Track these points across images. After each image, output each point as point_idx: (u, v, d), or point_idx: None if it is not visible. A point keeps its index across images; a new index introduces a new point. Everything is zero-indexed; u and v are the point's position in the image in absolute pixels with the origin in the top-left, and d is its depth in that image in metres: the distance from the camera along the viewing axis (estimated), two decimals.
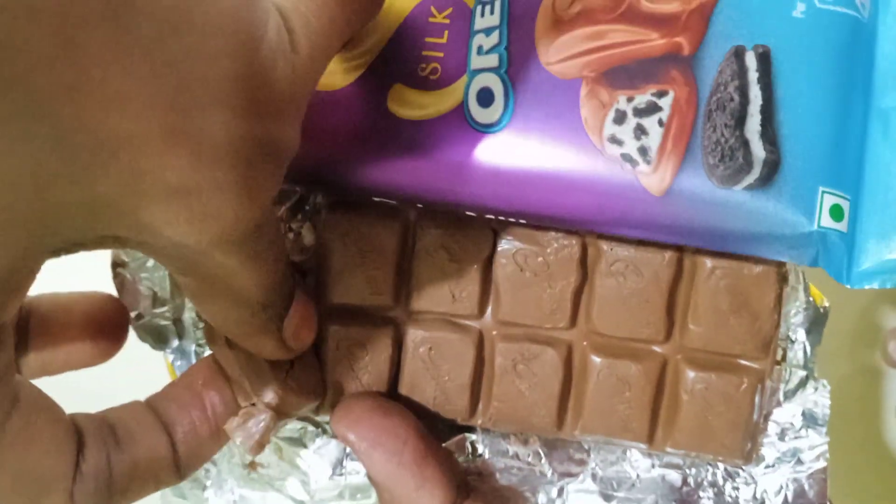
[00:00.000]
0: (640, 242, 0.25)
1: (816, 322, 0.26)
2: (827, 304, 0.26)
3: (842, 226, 0.23)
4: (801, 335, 0.26)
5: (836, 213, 0.23)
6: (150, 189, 0.16)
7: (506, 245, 0.25)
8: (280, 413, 0.23)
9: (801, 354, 0.26)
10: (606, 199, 0.23)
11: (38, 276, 0.18)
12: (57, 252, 0.17)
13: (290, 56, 0.18)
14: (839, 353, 0.34)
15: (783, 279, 0.25)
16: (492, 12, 0.23)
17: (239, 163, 0.17)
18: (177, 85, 0.15)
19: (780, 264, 0.25)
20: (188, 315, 0.27)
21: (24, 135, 0.14)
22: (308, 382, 0.24)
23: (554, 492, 0.27)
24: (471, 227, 0.25)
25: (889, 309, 0.34)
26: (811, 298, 0.26)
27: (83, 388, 0.26)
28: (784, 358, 0.26)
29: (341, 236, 0.25)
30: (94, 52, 0.14)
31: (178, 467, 0.22)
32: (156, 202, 0.16)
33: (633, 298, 0.25)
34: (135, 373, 0.27)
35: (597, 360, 0.25)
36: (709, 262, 0.25)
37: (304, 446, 0.27)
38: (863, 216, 0.23)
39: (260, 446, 0.23)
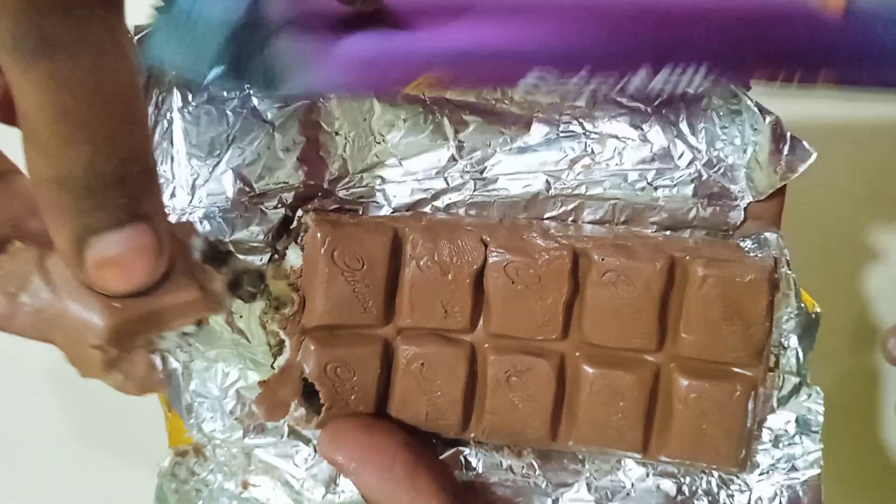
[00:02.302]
0: (631, 253, 0.25)
1: (808, 328, 0.26)
2: (819, 310, 0.26)
3: None
4: (793, 341, 0.26)
5: None
6: None
7: (496, 257, 0.25)
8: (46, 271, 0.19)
9: (793, 361, 0.26)
10: (774, 28, 0.20)
11: None
12: None
13: None
14: (836, 355, 0.34)
15: (775, 286, 0.25)
16: None
17: None
18: None
19: (772, 272, 0.25)
20: None
21: None
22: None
23: (549, 502, 0.27)
24: (461, 240, 0.25)
25: (885, 310, 0.34)
26: (803, 304, 0.26)
27: None
28: (777, 364, 0.26)
29: (328, 254, 0.24)
30: None
31: None
32: None
33: (625, 308, 0.25)
34: None
35: (590, 370, 0.25)
36: (700, 271, 0.24)
37: (296, 465, 0.27)
38: None
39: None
